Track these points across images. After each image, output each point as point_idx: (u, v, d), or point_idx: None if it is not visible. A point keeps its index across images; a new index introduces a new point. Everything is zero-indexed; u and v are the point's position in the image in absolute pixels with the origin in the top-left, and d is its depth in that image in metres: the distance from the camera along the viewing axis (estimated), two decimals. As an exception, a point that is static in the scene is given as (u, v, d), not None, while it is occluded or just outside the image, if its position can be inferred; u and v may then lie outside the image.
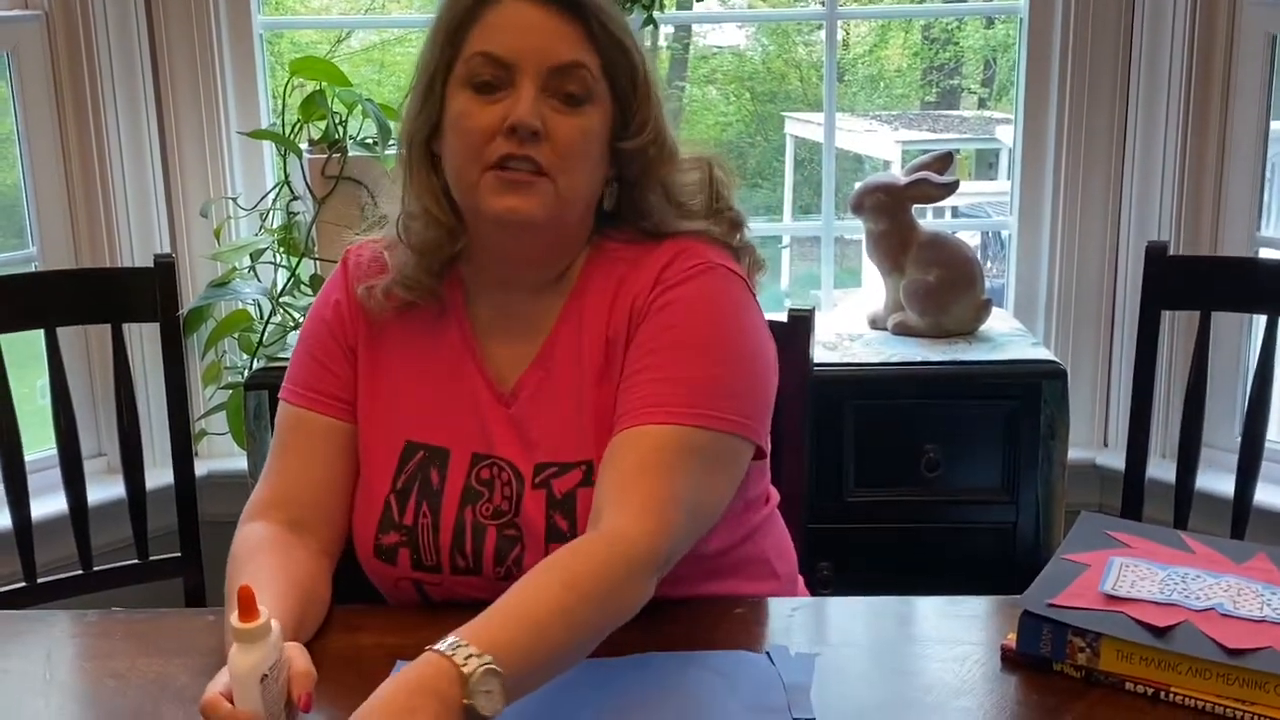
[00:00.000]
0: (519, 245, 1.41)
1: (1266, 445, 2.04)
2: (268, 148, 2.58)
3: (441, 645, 1.09)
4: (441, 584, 1.42)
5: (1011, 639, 1.31)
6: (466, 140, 1.35)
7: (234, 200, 2.55)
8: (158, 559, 2.17)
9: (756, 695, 1.25)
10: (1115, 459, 2.45)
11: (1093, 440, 2.68)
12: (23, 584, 2.07)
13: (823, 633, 1.43)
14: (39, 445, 2.25)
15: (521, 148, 1.32)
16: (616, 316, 1.41)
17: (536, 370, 1.43)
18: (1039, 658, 1.29)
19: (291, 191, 2.37)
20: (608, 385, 1.39)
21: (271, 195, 2.44)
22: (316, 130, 2.32)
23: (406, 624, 1.40)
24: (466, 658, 1.08)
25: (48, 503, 2.21)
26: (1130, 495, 2.12)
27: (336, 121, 2.30)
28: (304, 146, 2.33)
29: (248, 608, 1.11)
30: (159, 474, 2.32)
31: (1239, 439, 2.07)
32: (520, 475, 1.40)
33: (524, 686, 1.13)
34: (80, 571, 2.11)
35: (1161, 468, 2.24)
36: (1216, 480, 2.30)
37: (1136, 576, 1.33)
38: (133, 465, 2.14)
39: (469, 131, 1.35)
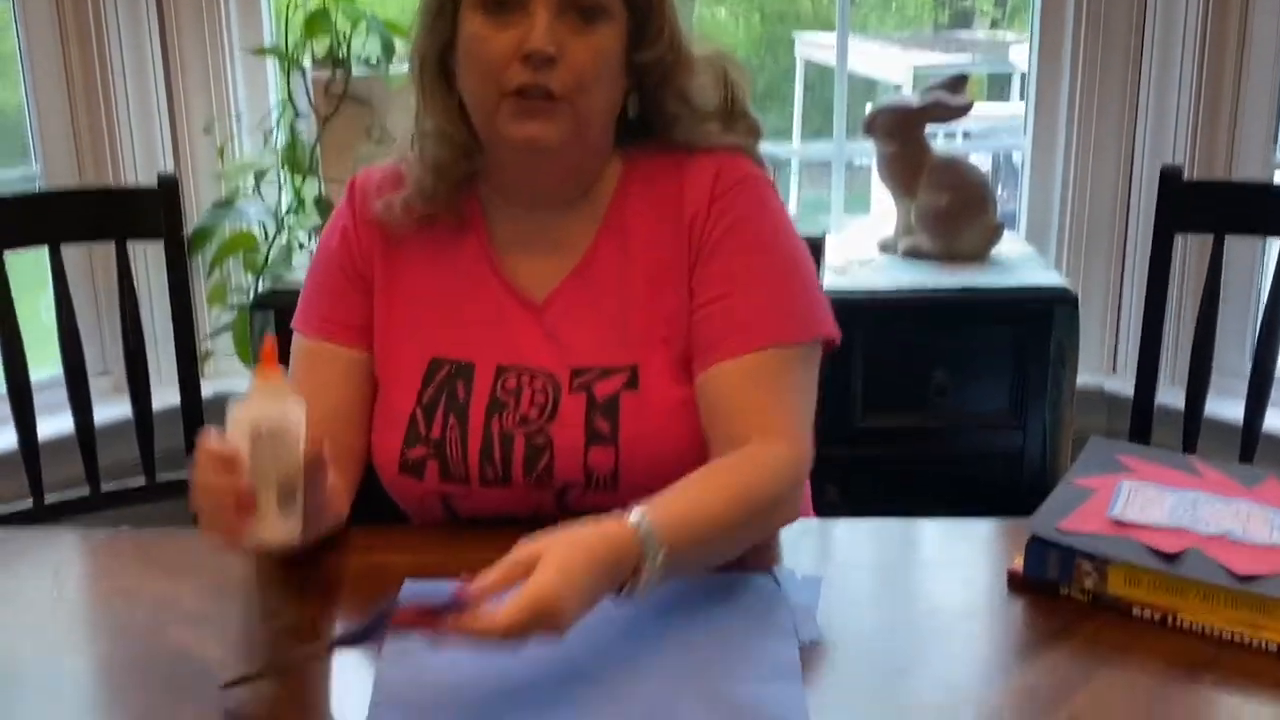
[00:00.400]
0: (540, 168, 1.42)
1: (1278, 371, 2.04)
2: (271, 65, 2.56)
3: (638, 524, 1.17)
4: (469, 495, 1.43)
5: (1018, 563, 1.31)
6: (481, 66, 1.35)
7: (237, 119, 2.53)
8: (165, 479, 2.18)
9: (762, 617, 1.25)
10: (1124, 384, 2.45)
11: (1102, 365, 2.68)
12: (30, 504, 2.08)
13: (829, 555, 1.44)
14: (44, 364, 2.25)
15: (537, 75, 1.32)
16: (667, 232, 1.44)
17: (574, 282, 1.45)
18: (1046, 581, 1.29)
19: (295, 110, 2.35)
20: (662, 296, 1.42)
21: (275, 114, 2.42)
22: (320, 48, 2.30)
23: (422, 543, 1.40)
24: (653, 552, 1.16)
25: (54, 422, 2.21)
26: (1139, 421, 2.11)
27: (340, 39, 2.28)
28: (307, 64, 2.31)
29: (269, 361, 1.12)
30: (165, 394, 2.32)
31: (1250, 365, 2.06)
32: (556, 381, 1.41)
33: (673, 575, 1.20)
34: (87, 492, 2.12)
35: (1171, 394, 2.23)
36: (1226, 406, 2.30)
37: (1145, 501, 1.33)
38: (139, 385, 2.14)
39: (483, 57, 1.34)
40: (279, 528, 1.16)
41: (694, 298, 1.42)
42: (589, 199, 1.46)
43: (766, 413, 1.37)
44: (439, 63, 1.41)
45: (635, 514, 1.18)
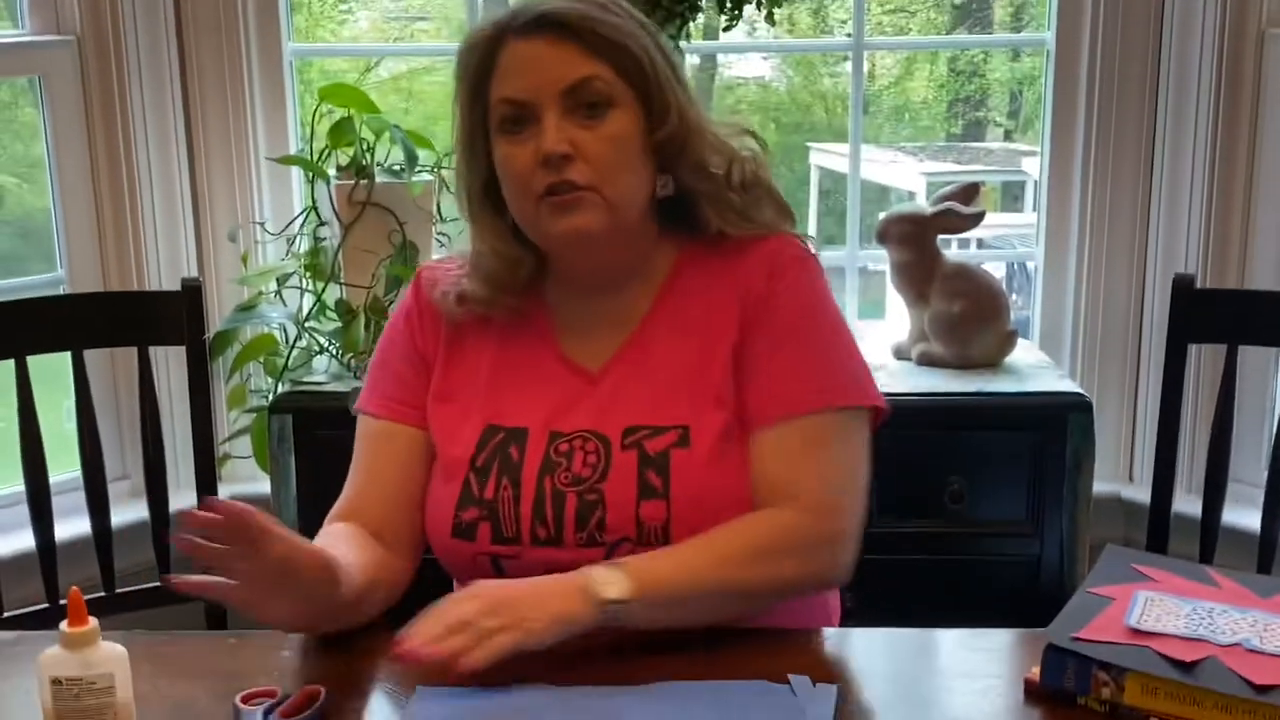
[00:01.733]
0: (589, 254, 1.50)
1: (1294, 480, 2.03)
2: (296, 173, 2.60)
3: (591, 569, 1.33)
4: (519, 556, 1.45)
5: (1035, 672, 1.30)
6: (514, 181, 1.45)
7: (261, 225, 2.56)
8: (180, 582, 2.17)
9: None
10: (1141, 493, 2.44)
11: (1118, 473, 2.66)
12: (45, 605, 2.07)
13: (844, 664, 1.42)
14: (64, 467, 2.26)
15: (559, 174, 1.41)
16: (722, 308, 1.50)
17: (627, 352, 1.51)
18: (1063, 692, 1.28)
19: (319, 217, 2.38)
20: (714, 366, 1.48)
21: (299, 220, 2.45)
22: (344, 156, 2.33)
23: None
24: (607, 577, 1.32)
25: (71, 525, 2.22)
26: (1156, 529, 2.10)
27: (364, 148, 2.31)
28: (332, 172, 2.34)
29: (77, 615, 1.15)
30: (182, 497, 2.32)
31: (1265, 473, 2.05)
32: (607, 440, 1.46)
33: (657, 599, 1.33)
34: (103, 593, 2.12)
35: (1187, 502, 2.22)
36: (1243, 515, 2.28)
37: (1162, 611, 1.32)
38: (156, 488, 2.15)
39: (514, 173, 1.44)
40: None
41: (744, 367, 1.48)
42: (643, 278, 1.53)
43: (793, 477, 1.43)
44: (484, 193, 1.51)
45: (600, 572, 1.33)
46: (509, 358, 1.53)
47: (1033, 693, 1.30)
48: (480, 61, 1.46)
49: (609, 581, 1.32)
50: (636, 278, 1.53)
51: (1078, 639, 1.28)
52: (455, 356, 1.55)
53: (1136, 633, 1.28)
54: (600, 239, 1.45)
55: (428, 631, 1.25)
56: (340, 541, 1.44)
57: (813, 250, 1.57)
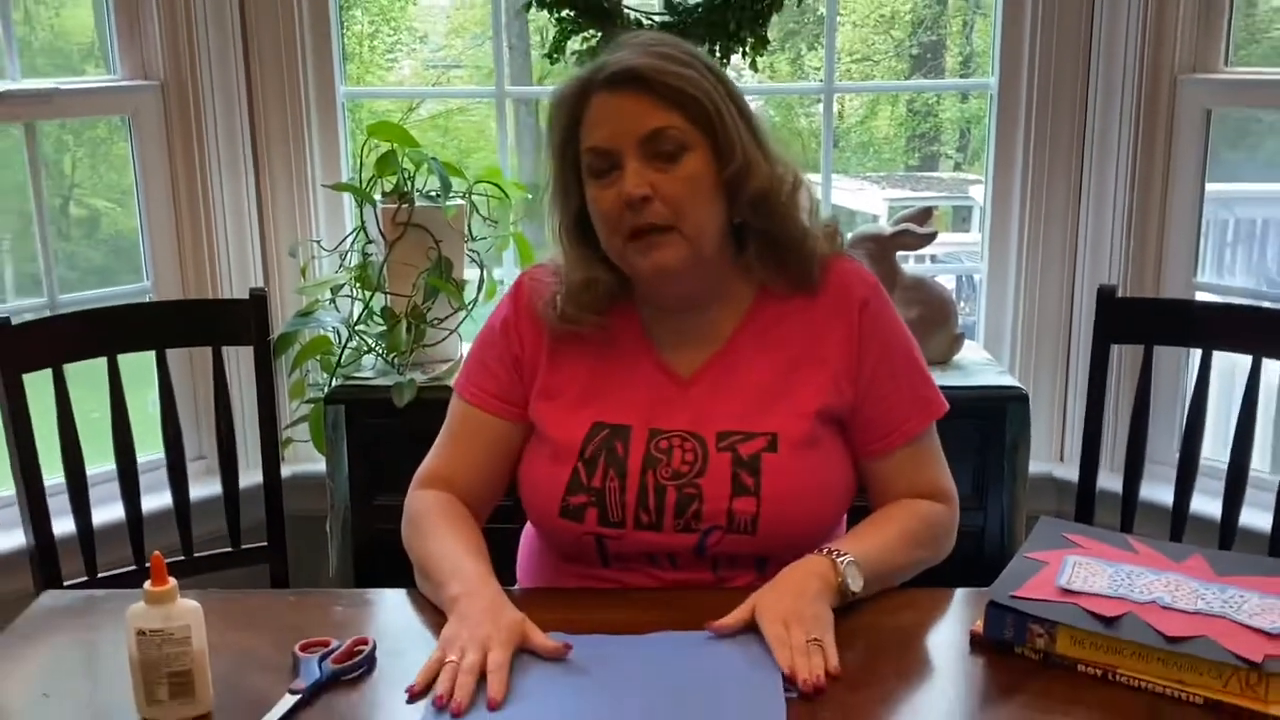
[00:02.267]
0: (675, 286, 1.47)
1: (1201, 461, 2.02)
2: (347, 199, 2.60)
3: (835, 554, 1.36)
4: (621, 538, 1.45)
5: (979, 625, 1.30)
6: (604, 221, 1.43)
7: (318, 243, 2.56)
8: (248, 548, 2.17)
9: (751, 664, 1.24)
10: (1070, 471, 2.43)
11: (1051, 455, 2.66)
12: (133, 567, 2.08)
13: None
14: (149, 449, 2.26)
15: (641, 215, 1.39)
16: (807, 330, 1.49)
17: (717, 363, 1.50)
18: (1002, 642, 1.28)
19: (366, 236, 2.38)
20: (800, 382, 1.48)
21: (350, 239, 2.45)
22: (389, 184, 2.33)
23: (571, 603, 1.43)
24: (838, 557, 1.35)
25: (155, 498, 2.22)
26: (1083, 503, 2.10)
27: (406, 177, 2.31)
28: (378, 198, 2.34)
29: (158, 575, 1.16)
30: (251, 475, 2.32)
31: (1177, 454, 2.05)
32: (703, 441, 1.45)
33: (875, 576, 1.38)
34: (182, 557, 2.12)
35: (1110, 479, 2.21)
36: (1158, 490, 2.28)
37: (1088, 573, 1.32)
38: (228, 467, 2.15)
39: (602, 214, 1.43)
40: (174, 712, 1.17)
41: (859, 395, 1.49)
42: (726, 301, 1.51)
43: (927, 482, 1.52)
44: (575, 226, 1.49)
45: (836, 553, 1.36)
46: (608, 361, 1.51)
47: (977, 642, 1.30)
48: (570, 112, 1.44)
49: (854, 578, 1.36)
50: (719, 300, 1.51)
51: (1016, 597, 1.28)
52: (558, 358, 1.52)
53: (1066, 592, 1.28)
54: (682, 271, 1.43)
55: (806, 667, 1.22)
56: (470, 528, 1.48)
57: (862, 263, 1.58)
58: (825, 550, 1.37)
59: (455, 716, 1.16)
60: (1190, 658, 1.18)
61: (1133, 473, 2.07)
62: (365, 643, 1.29)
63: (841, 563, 1.35)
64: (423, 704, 1.18)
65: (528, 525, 1.62)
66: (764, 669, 1.22)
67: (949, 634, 1.34)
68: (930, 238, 2.35)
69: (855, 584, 1.35)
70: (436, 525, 1.47)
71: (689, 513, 1.43)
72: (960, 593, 1.44)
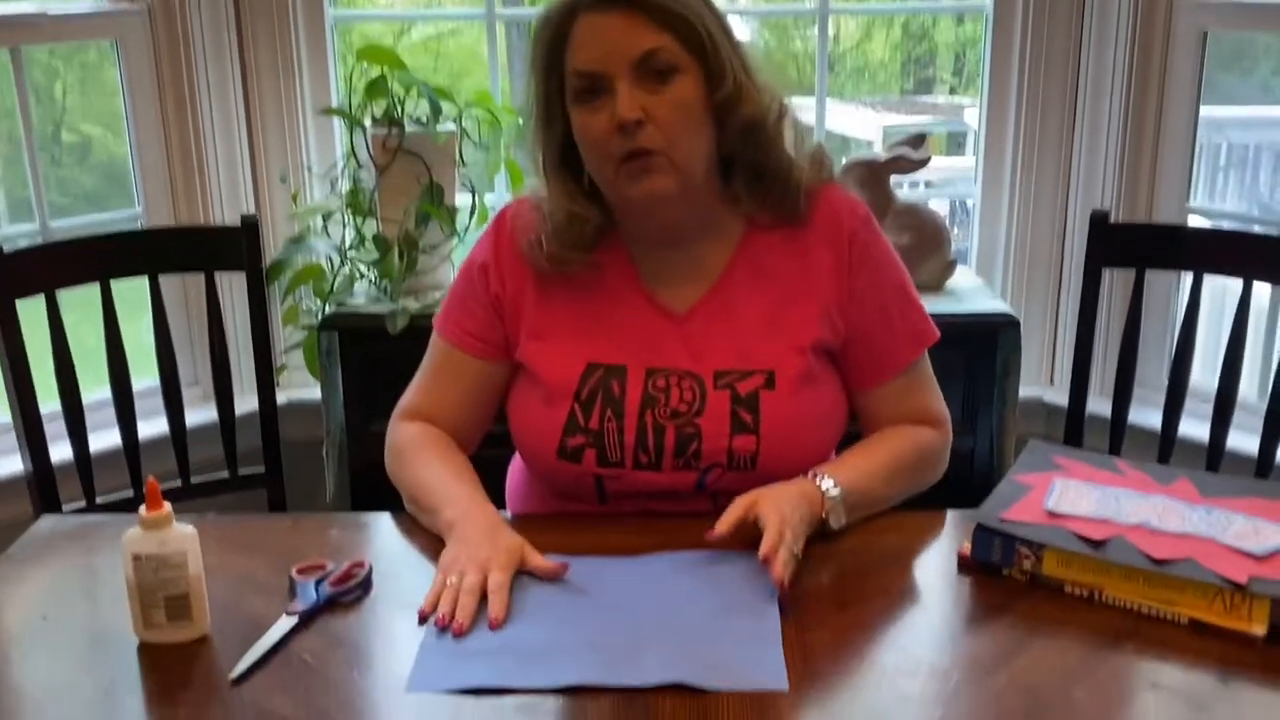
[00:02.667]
0: (663, 213, 1.43)
1: (1190, 384, 2.03)
2: (337, 124, 2.57)
3: (821, 480, 1.36)
4: (622, 477, 1.44)
5: (966, 547, 1.31)
6: (593, 147, 1.38)
7: (309, 169, 2.54)
8: (245, 473, 2.18)
9: (747, 582, 1.25)
10: (1060, 396, 2.44)
11: (1041, 379, 2.67)
12: (130, 493, 2.08)
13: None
14: (144, 376, 2.25)
15: (634, 139, 1.35)
16: (800, 261, 1.47)
17: (710, 299, 1.47)
18: (990, 564, 1.29)
19: (357, 162, 2.36)
20: (795, 315, 1.46)
21: (340, 165, 2.43)
22: (379, 109, 2.30)
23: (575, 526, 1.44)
24: (828, 491, 1.35)
25: (152, 425, 2.22)
26: (1072, 426, 2.11)
27: (396, 102, 2.28)
28: (368, 123, 2.31)
29: (153, 500, 1.16)
30: (246, 400, 2.32)
31: (1166, 379, 2.06)
32: (701, 380, 1.43)
33: (858, 510, 1.39)
34: (179, 483, 2.13)
35: (1099, 403, 2.22)
36: (1146, 415, 2.29)
37: (1076, 495, 1.33)
38: (224, 393, 2.15)
39: (591, 140, 1.38)
40: (172, 634, 1.18)
41: (851, 325, 1.47)
42: (716, 235, 1.48)
43: (919, 409, 1.52)
44: (560, 157, 1.44)
45: (822, 478, 1.36)
46: (599, 299, 1.48)
47: (964, 564, 1.31)
48: (555, 34, 1.38)
49: (837, 516, 1.36)
50: (709, 234, 1.47)
51: (1004, 519, 1.29)
52: (546, 296, 1.48)
53: (1054, 515, 1.29)
54: (672, 199, 1.39)
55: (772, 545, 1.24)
56: (457, 456, 1.49)
57: (850, 191, 1.55)
58: (814, 477, 1.37)
59: (457, 636, 1.17)
60: (1176, 579, 1.19)
61: (1122, 397, 2.07)
62: (362, 566, 1.30)
63: (830, 499, 1.35)
64: (424, 626, 1.19)
65: (515, 457, 1.62)
66: (759, 588, 1.23)
67: (937, 556, 1.35)
68: (924, 163, 2.33)
69: (836, 522, 1.36)
70: (422, 453, 1.47)
71: (689, 451, 1.42)
72: (948, 515, 1.45)
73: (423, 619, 1.21)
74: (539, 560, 1.28)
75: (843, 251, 1.47)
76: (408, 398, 1.56)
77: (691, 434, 1.42)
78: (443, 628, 1.18)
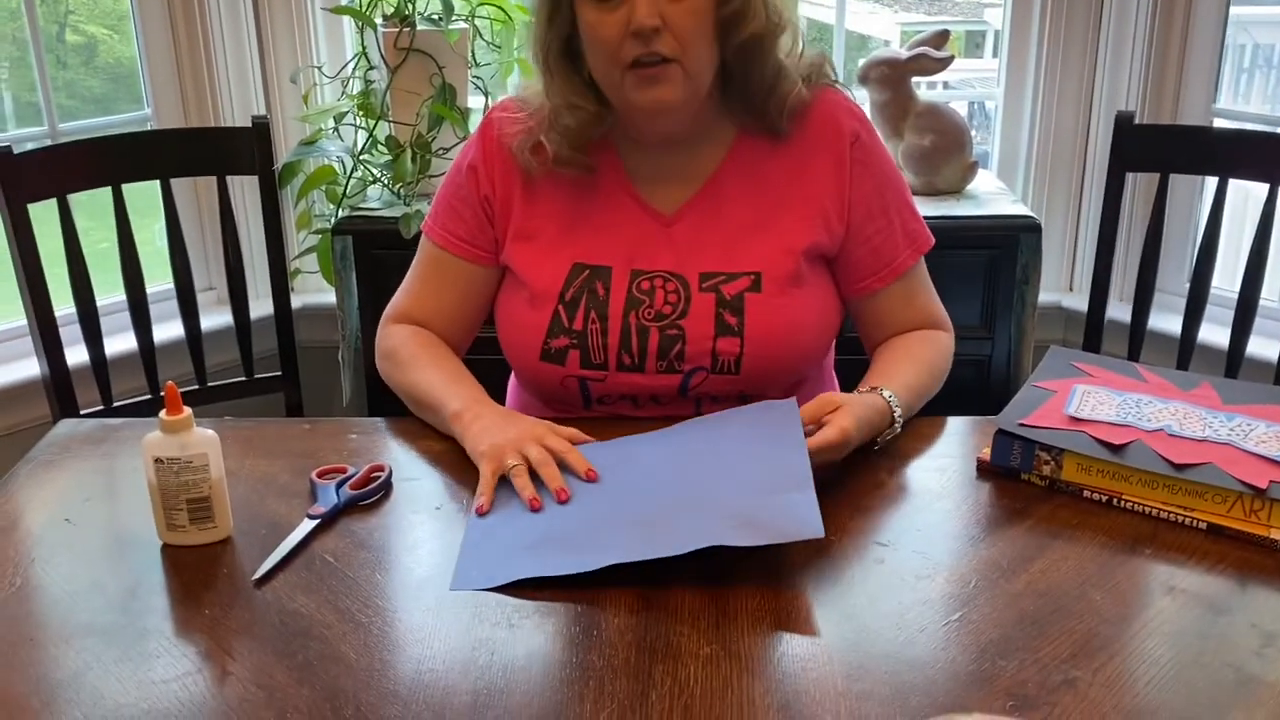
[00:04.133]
0: (666, 121, 1.42)
1: (1211, 290, 2.02)
2: (347, 22, 2.53)
3: (890, 399, 1.36)
4: (604, 380, 1.44)
5: (986, 453, 1.31)
6: (600, 48, 1.35)
7: (319, 69, 2.50)
8: (261, 377, 2.19)
9: (780, 432, 1.25)
10: (1080, 301, 2.43)
11: (1061, 285, 2.65)
12: (148, 396, 2.09)
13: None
14: (159, 279, 2.25)
15: (648, 46, 1.32)
16: (799, 163, 1.45)
17: (700, 200, 1.46)
18: (1009, 469, 1.29)
19: (368, 61, 2.32)
20: (790, 216, 1.44)
21: (351, 65, 2.39)
22: (390, 7, 2.26)
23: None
24: (896, 407, 1.36)
25: (167, 328, 2.22)
26: (1091, 332, 2.10)
27: (407, -1, 2.24)
28: (379, 21, 2.27)
29: (173, 404, 1.16)
30: (261, 305, 2.32)
31: (1188, 285, 2.04)
32: (686, 281, 1.43)
33: (907, 414, 1.40)
34: (196, 386, 2.13)
35: (1119, 309, 2.21)
36: (1167, 320, 2.28)
37: (1096, 401, 1.32)
38: (238, 297, 2.15)
39: (602, 40, 1.34)
40: (195, 536, 1.19)
41: (849, 230, 1.46)
42: (709, 139, 1.46)
43: (923, 313, 1.52)
44: (563, 50, 1.41)
45: (886, 391, 1.36)
46: (586, 199, 1.46)
47: (984, 470, 1.31)
48: None
49: (895, 430, 1.37)
50: (702, 138, 1.46)
51: (1024, 424, 1.28)
52: (533, 197, 1.47)
53: (1074, 420, 1.29)
54: (680, 108, 1.38)
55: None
56: (452, 358, 1.49)
57: (848, 92, 1.52)
58: (881, 392, 1.36)
59: (562, 502, 1.21)
60: (1195, 484, 1.19)
61: (1142, 303, 2.06)
62: (381, 470, 1.30)
63: (897, 418, 1.36)
64: (471, 522, 1.20)
65: (513, 378, 1.61)
66: (788, 438, 1.23)
67: (955, 461, 1.35)
68: (947, 62, 2.29)
69: (892, 434, 1.37)
70: (416, 356, 1.47)
71: (672, 354, 1.41)
72: (968, 421, 1.45)
73: (482, 514, 1.21)
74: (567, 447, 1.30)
75: (843, 154, 1.45)
76: (397, 301, 1.55)
77: (675, 336, 1.41)
78: (535, 510, 1.20)
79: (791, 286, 1.43)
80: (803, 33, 1.47)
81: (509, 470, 1.25)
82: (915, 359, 1.47)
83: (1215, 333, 2.11)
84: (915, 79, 2.33)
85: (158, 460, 1.16)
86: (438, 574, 1.13)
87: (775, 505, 1.13)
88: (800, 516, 1.10)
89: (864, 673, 0.98)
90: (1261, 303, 1.97)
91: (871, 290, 1.49)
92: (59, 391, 2.00)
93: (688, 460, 1.25)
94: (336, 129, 2.39)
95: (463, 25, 2.29)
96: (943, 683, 0.97)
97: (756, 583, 1.10)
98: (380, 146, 2.33)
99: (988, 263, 2.18)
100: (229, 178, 2.12)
